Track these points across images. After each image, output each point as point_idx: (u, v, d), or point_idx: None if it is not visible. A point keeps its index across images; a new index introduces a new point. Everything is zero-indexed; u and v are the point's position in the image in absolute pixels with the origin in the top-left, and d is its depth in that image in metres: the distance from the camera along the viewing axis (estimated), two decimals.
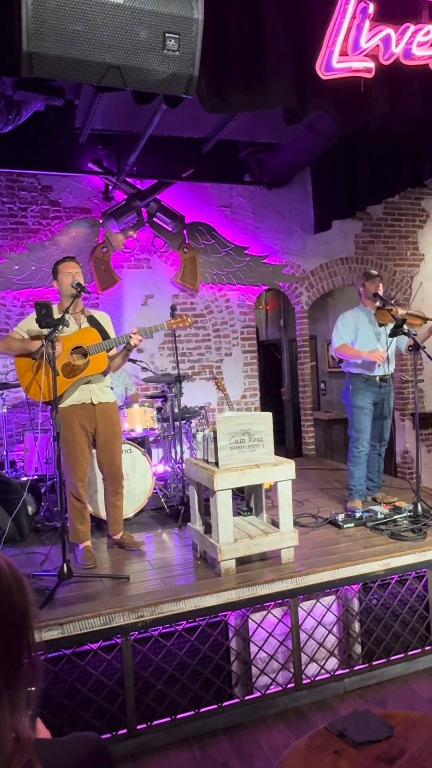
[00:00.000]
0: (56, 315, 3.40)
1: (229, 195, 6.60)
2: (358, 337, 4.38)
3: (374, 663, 3.28)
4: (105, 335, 3.59)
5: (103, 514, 4.01)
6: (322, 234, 6.90)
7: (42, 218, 5.86)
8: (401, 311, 4.22)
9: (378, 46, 3.45)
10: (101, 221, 6.03)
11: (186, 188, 6.36)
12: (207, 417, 5.72)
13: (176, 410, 4.89)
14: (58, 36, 2.64)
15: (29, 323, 3.51)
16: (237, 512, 3.67)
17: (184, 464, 4.07)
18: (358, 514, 4.03)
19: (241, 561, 3.28)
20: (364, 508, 4.21)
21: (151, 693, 2.85)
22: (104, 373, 3.62)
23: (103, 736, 2.68)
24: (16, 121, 4.22)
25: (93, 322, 3.64)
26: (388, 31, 3.44)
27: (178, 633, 2.93)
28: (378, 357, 4.23)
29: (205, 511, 3.56)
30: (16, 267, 5.73)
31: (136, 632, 2.84)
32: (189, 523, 3.68)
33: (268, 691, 3.05)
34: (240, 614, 3.07)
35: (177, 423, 4.81)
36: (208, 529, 3.47)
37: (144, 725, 2.81)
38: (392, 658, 3.32)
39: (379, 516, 3.99)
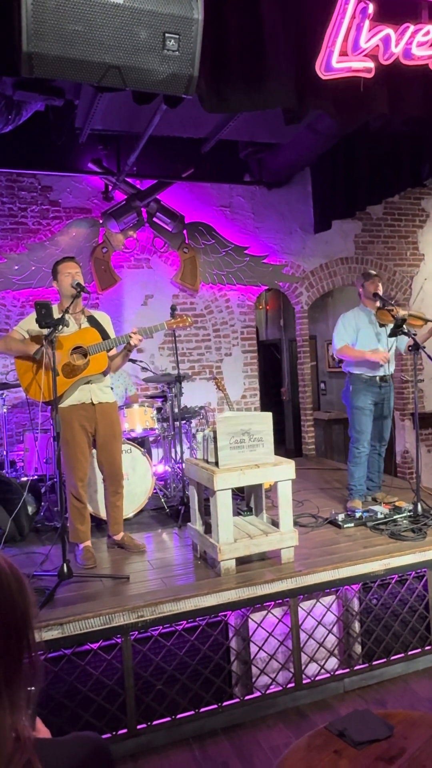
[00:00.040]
0: (56, 315, 3.40)
1: (229, 195, 6.60)
2: (359, 337, 4.38)
3: (374, 663, 3.28)
4: (105, 335, 3.59)
5: (103, 514, 4.01)
6: (322, 234, 6.90)
7: (42, 218, 5.86)
8: (402, 311, 4.22)
9: (378, 46, 3.45)
10: (101, 221, 6.03)
11: (186, 188, 6.36)
12: (207, 417, 5.72)
13: (176, 410, 4.90)
14: (58, 36, 2.64)
15: (29, 323, 3.51)
16: (237, 512, 3.67)
17: (184, 464, 4.07)
18: (358, 514, 4.03)
19: (241, 561, 3.28)
20: (364, 508, 4.21)
21: (151, 693, 2.85)
22: (104, 373, 3.62)
23: (103, 736, 2.68)
24: (16, 121, 4.22)
25: (93, 322, 3.64)
26: (388, 31, 3.44)
27: (178, 633, 2.93)
28: (381, 357, 4.23)
29: (205, 511, 3.56)
30: (16, 267, 5.73)
31: (136, 632, 2.84)
32: (189, 523, 3.68)
33: (268, 691, 3.05)
34: (240, 614, 3.07)
35: (177, 423, 4.81)
36: (208, 529, 3.47)
37: (144, 725, 2.81)
38: (392, 658, 3.32)
39: (379, 516, 3.99)
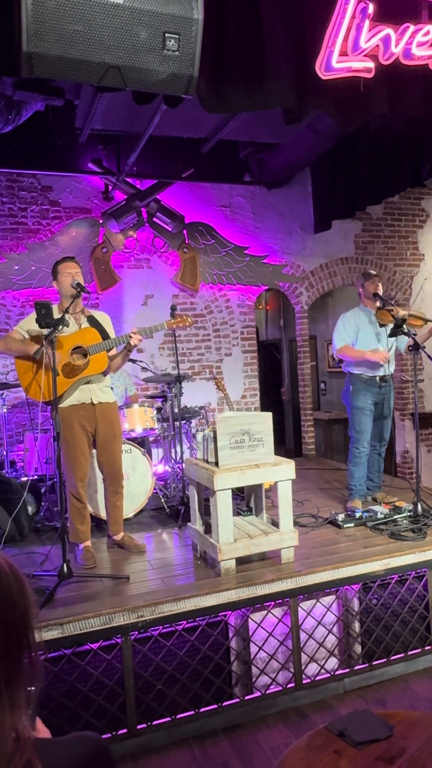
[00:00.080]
0: (56, 315, 3.40)
1: (229, 195, 6.60)
2: (359, 337, 4.38)
3: (374, 663, 3.28)
4: (105, 335, 3.59)
5: (103, 514, 4.01)
6: (322, 234, 6.90)
7: (42, 218, 5.86)
8: (402, 311, 4.22)
9: (378, 46, 3.45)
10: (101, 221, 6.03)
11: (186, 188, 6.36)
12: (207, 417, 5.72)
13: (176, 410, 4.90)
14: (58, 36, 2.64)
15: (29, 323, 3.51)
16: (237, 512, 3.67)
17: (184, 464, 4.07)
18: (358, 514, 4.03)
19: (241, 561, 3.28)
20: (364, 508, 4.21)
21: (151, 693, 2.85)
22: (104, 373, 3.62)
23: (103, 736, 2.68)
24: (16, 121, 4.22)
25: (93, 322, 3.64)
26: (388, 31, 3.44)
27: (178, 633, 2.93)
28: (381, 357, 4.23)
29: (205, 511, 3.56)
30: (16, 267, 5.73)
31: (136, 632, 2.84)
32: (189, 523, 3.68)
33: (268, 691, 3.05)
34: (240, 614, 3.07)
35: (177, 423, 4.81)
36: (208, 529, 3.47)
37: (144, 725, 2.81)
38: (392, 657, 3.32)
39: (379, 516, 3.99)
